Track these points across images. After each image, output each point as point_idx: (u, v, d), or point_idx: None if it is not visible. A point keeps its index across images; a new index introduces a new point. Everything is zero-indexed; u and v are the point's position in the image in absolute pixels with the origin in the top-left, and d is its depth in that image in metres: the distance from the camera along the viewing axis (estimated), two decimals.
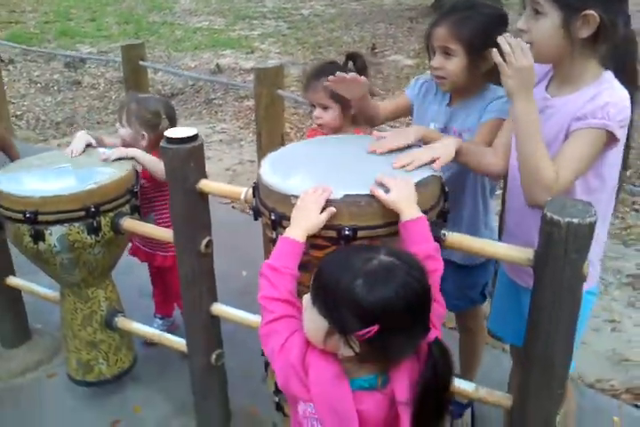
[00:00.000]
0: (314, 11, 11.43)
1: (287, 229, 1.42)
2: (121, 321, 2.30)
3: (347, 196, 1.42)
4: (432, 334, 1.24)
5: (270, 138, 3.40)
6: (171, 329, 2.71)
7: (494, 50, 1.49)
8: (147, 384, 2.51)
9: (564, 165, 1.49)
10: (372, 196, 1.42)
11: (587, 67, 1.52)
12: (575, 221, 1.31)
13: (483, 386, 1.68)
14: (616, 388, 2.60)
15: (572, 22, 1.45)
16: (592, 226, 1.34)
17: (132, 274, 3.01)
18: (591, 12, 1.42)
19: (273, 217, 1.50)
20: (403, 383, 1.22)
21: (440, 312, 1.37)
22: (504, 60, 1.48)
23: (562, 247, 1.34)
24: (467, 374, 2.38)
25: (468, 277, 2.13)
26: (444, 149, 1.64)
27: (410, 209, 1.40)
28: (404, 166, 1.55)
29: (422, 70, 7.14)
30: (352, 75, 1.83)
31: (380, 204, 1.42)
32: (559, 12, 1.45)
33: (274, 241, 1.51)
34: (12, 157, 2.94)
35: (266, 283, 1.37)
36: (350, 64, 2.17)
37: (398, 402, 1.21)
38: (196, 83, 7.17)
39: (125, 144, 2.36)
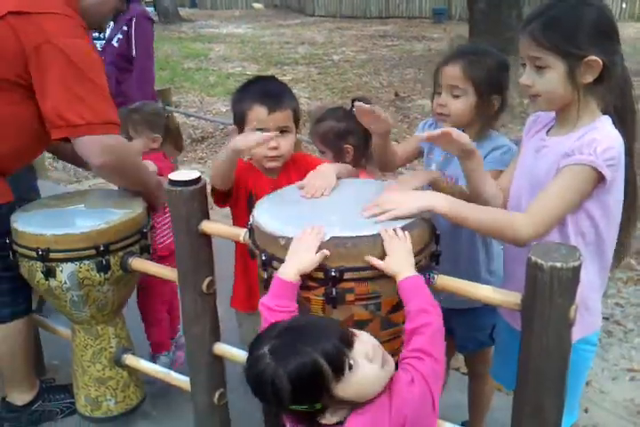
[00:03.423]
0: (344, 56, 11.71)
1: (281, 268, 1.46)
2: (129, 359, 2.34)
3: (333, 238, 1.45)
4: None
5: None
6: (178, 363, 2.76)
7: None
8: (154, 422, 2.53)
9: (544, 203, 1.50)
10: (359, 237, 1.45)
11: (587, 109, 1.55)
12: (559, 265, 1.32)
13: None
14: None
15: (577, 70, 1.48)
16: (576, 270, 1.35)
17: None
18: (594, 57, 1.46)
19: (263, 258, 1.54)
20: None
21: (433, 367, 1.36)
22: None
23: (547, 291, 1.35)
24: (475, 421, 2.35)
25: (475, 319, 2.12)
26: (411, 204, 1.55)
27: (403, 271, 1.43)
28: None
29: None
30: (377, 110, 1.80)
31: (366, 246, 1.45)
32: (562, 62, 1.48)
33: (265, 281, 1.55)
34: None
35: (264, 322, 1.44)
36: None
37: None
38: (225, 127, 7.36)
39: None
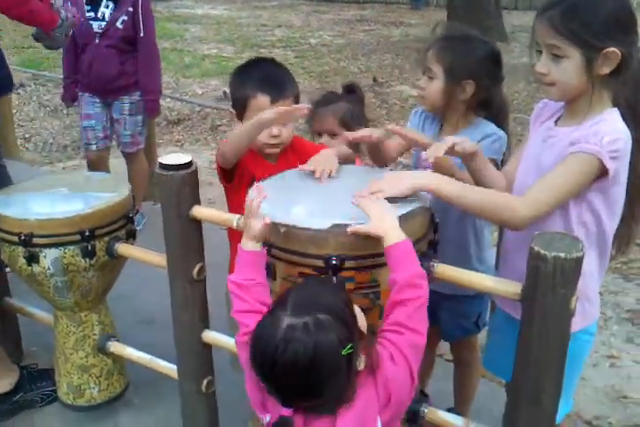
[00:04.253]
0: (322, 40, 11.59)
1: (241, 241, 1.47)
2: (114, 346, 2.29)
3: (334, 225, 1.43)
4: (285, 411, 1.25)
5: None
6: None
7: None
8: (138, 410, 2.49)
9: (543, 186, 1.49)
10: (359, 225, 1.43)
11: (599, 101, 1.53)
12: (562, 255, 1.32)
13: (476, 421, 1.67)
14: (614, 426, 2.56)
15: (594, 61, 1.46)
16: (579, 261, 1.34)
17: (127, 300, 3.03)
18: (612, 49, 1.44)
19: (262, 245, 1.50)
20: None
21: (412, 341, 1.34)
22: None
23: (549, 282, 1.34)
24: (461, 408, 2.36)
25: (461, 306, 2.12)
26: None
27: (390, 234, 1.38)
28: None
29: None
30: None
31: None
32: (580, 52, 1.46)
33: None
34: None
35: (234, 298, 1.44)
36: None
37: None
38: (202, 109, 7.26)
39: None
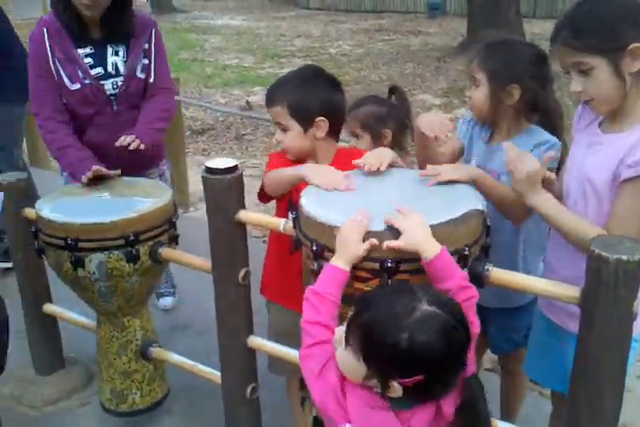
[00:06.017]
0: (341, 50, 11.67)
1: (333, 258, 1.44)
2: (157, 352, 2.29)
3: (389, 228, 1.42)
4: (469, 370, 1.26)
5: None
6: None
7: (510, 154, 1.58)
8: (179, 417, 2.49)
9: (619, 225, 1.48)
10: None
11: (638, 98, 1.52)
12: (624, 257, 1.30)
13: None
14: None
15: (621, 62, 1.46)
16: None
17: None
18: (635, 44, 1.43)
19: (314, 248, 1.50)
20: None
21: (473, 332, 1.34)
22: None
23: (611, 284, 1.32)
24: (508, 417, 2.31)
25: (511, 320, 2.09)
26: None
27: (427, 247, 1.37)
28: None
29: (450, 109, 7.20)
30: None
31: None
32: (605, 59, 1.46)
33: (314, 272, 1.51)
34: None
35: (309, 307, 1.41)
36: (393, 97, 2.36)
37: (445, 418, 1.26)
38: (226, 119, 7.31)
39: None
